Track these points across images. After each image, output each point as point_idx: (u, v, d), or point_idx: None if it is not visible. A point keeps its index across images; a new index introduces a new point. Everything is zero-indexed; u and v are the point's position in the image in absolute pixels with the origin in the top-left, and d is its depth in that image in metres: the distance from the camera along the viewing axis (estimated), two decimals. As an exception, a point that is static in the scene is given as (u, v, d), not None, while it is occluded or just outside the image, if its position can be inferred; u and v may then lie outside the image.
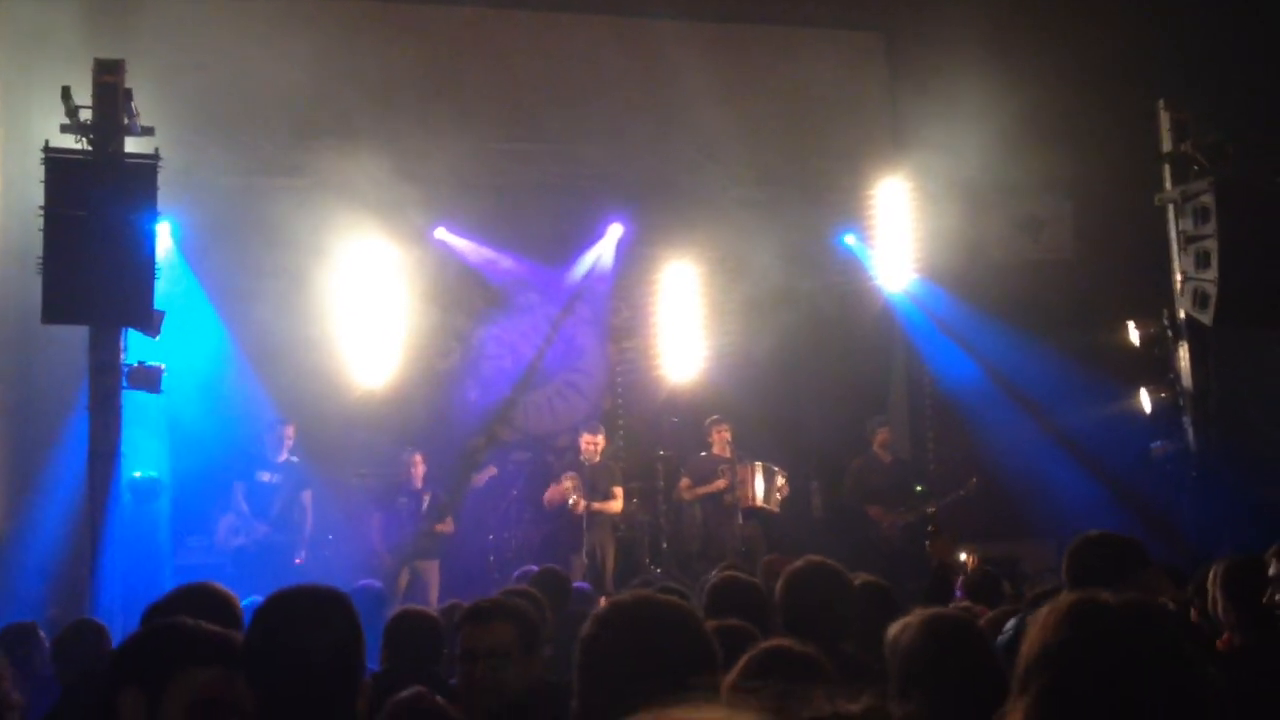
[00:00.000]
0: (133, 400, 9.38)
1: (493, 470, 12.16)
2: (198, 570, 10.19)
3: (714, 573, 6.85)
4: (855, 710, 2.33)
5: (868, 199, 13.37)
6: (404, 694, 3.59)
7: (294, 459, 11.58)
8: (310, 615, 2.67)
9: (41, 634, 6.49)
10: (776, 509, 11.97)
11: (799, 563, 4.38)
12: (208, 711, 2.67)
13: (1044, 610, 2.23)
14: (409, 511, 11.55)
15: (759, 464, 12.03)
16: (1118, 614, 2.15)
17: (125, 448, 9.19)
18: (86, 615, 7.42)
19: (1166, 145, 10.77)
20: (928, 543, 7.15)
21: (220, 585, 3.92)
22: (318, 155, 11.86)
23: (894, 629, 3.22)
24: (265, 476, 11.45)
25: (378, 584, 7.55)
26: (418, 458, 11.72)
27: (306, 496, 11.55)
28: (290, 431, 11.57)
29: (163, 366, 9.33)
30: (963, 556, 7.67)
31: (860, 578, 4.86)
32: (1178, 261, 10.55)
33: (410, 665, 4.73)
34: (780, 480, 12.03)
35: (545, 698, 3.63)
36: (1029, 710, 2.13)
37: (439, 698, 3.65)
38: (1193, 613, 5.02)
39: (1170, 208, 10.70)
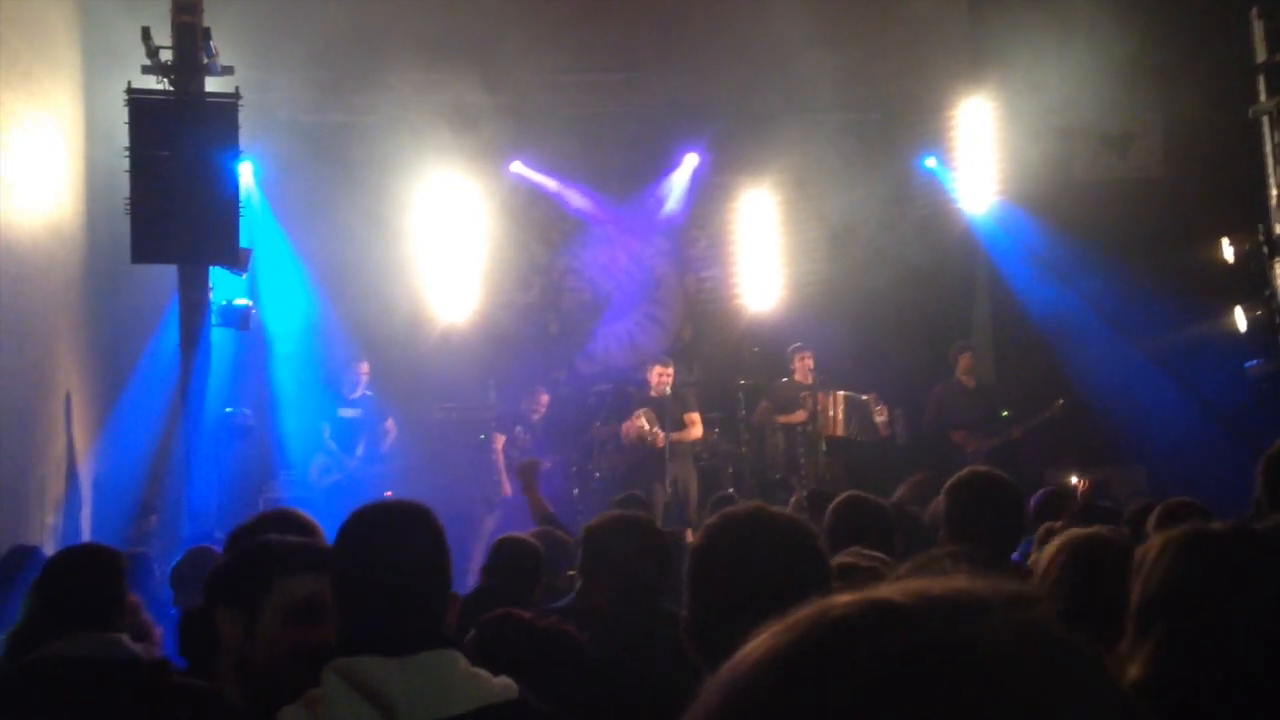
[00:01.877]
0: (219, 338, 9.57)
1: (544, 397, 12.19)
2: (290, 505, 10.42)
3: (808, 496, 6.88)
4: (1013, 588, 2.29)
5: (949, 120, 13.10)
6: (493, 613, 3.64)
7: (369, 393, 11.81)
8: (394, 529, 2.66)
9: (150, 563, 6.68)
10: (887, 432, 11.95)
11: (964, 472, 4.31)
12: (303, 617, 2.75)
13: (1154, 544, 2.13)
14: (521, 443, 11.77)
15: (842, 393, 11.95)
16: (1238, 544, 2.05)
17: (216, 384, 9.38)
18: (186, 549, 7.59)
19: (1261, 55, 10.43)
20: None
21: (303, 511, 3.98)
22: (394, 90, 11.89)
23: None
24: (347, 413, 11.72)
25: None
26: (545, 395, 12.01)
27: (390, 424, 11.84)
28: (365, 368, 11.81)
29: (250, 304, 9.49)
30: (1074, 480, 7.31)
31: None
32: (1273, 175, 10.26)
33: (506, 586, 4.82)
34: (879, 409, 11.95)
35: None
36: (1155, 654, 2.02)
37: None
38: None
39: (1265, 120, 10.39)
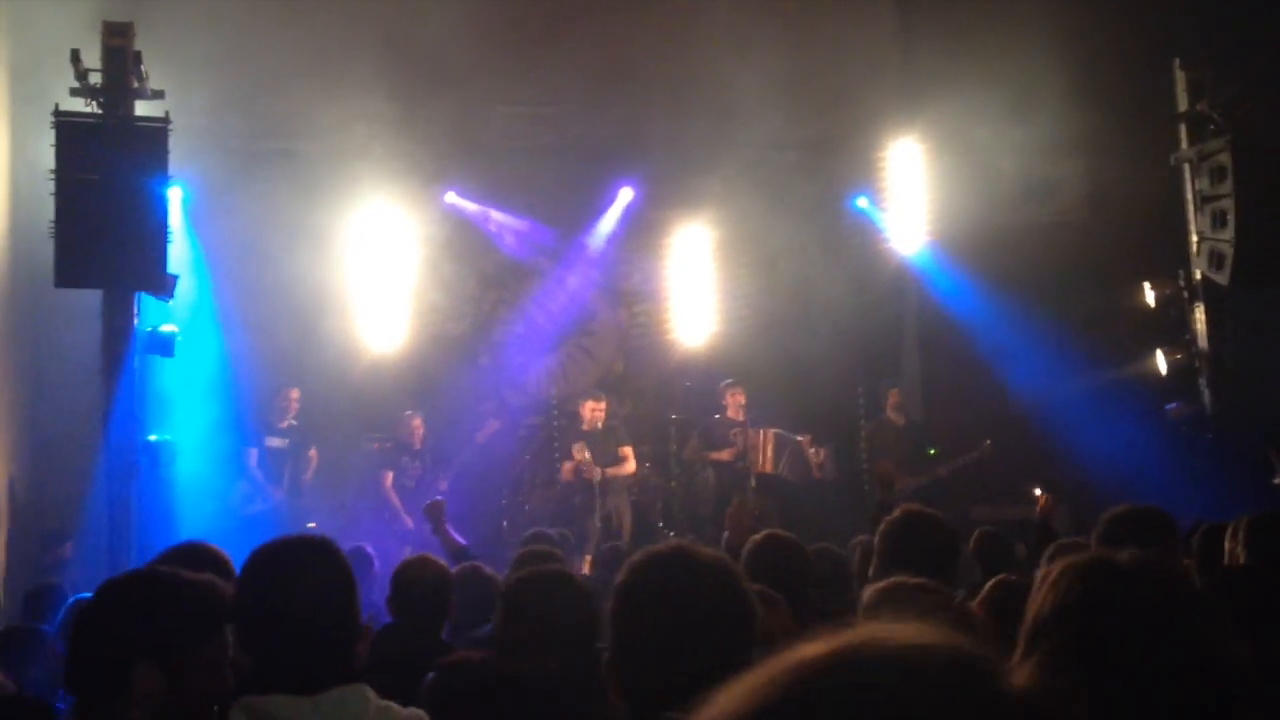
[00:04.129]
0: (143, 364, 9.40)
1: (495, 424, 12.13)
2: (213, 536, 10.21)
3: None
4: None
5: (880, 161, 13.28)
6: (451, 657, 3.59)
7: (295, 422, 11.65)
8: (297, 565, 2.63)
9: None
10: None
11: (897, 512, 4.36)
12: (213, 673, 2.64)
13: (1054, 569, 2.21)
14: (411, 471, 11.61)
15: (773, 430, 12.00)
16: (1131, 574, 2.13)
17: (139, 412, 9.21)
18: (108, 578, 7.41)
19: (1182, 105, 10.69)
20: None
21: (212, 545, 3.89)
22: (327, 119, 11.81)
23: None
24: (274, 442, 11.53)
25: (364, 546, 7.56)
26: (417, 419, 11.75)
27: (313, 454, 11.69)
28: (295, 395, 11.62)
29: (176, 330, 9.34)
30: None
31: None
32: (1194, 222, 10.49)
33: (416, 612, 4.71)
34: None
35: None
36: (1036, 669, 2.10)
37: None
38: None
39: (1186, 167, 10.64)
